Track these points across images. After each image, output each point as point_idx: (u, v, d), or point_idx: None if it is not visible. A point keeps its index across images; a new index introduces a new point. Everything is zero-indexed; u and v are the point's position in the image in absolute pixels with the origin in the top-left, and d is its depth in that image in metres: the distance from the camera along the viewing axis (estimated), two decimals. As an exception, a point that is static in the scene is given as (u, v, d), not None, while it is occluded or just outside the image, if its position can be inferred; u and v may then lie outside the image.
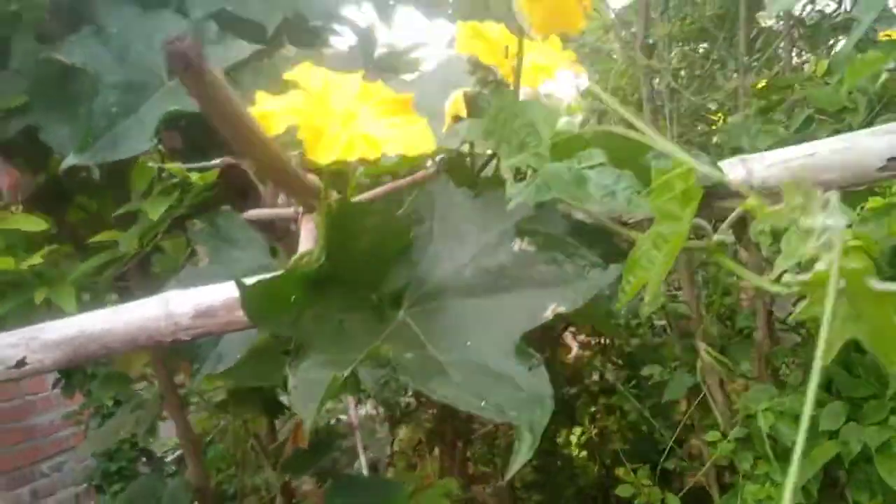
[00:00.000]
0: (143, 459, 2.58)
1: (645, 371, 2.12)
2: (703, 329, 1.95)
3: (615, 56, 2.12)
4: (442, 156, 0.70)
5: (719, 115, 2.00)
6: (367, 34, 1.70)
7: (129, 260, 1.47)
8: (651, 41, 1.77)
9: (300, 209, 0.68)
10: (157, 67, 1.34)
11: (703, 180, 1.00)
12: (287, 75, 0.57)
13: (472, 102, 0.75)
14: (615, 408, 2.49)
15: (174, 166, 1.27)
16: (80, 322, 1.01)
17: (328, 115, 0.54)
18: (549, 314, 0.61)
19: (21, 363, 1.01)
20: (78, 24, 1.36)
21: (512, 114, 0.67)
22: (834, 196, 0.38)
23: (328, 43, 1.56)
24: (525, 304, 0.63)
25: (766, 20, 1.95)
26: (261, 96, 0.55)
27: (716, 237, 0.59)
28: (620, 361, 2.45)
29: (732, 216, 0.57)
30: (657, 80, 1.80)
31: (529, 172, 0.60)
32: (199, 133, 1.37)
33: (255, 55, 1.33)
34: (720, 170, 0.98)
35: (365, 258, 0.65)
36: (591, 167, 0.63)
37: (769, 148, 1.69)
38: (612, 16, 1.89)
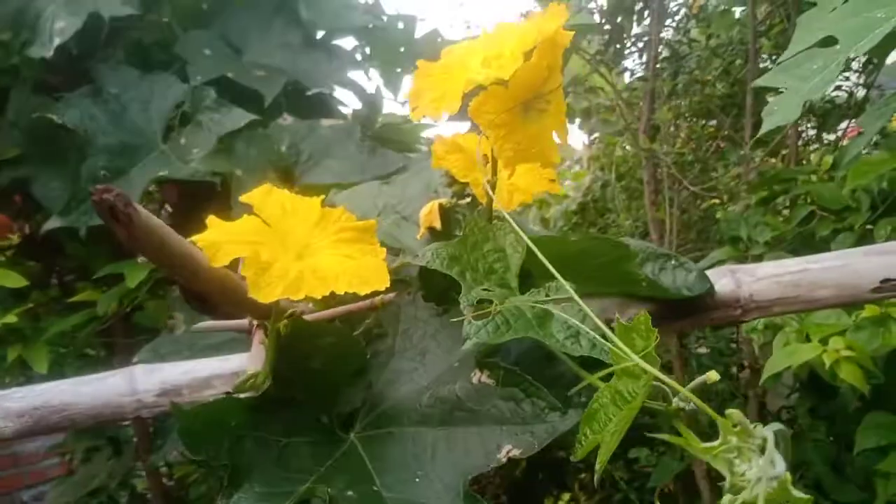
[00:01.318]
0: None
1: (631, 453, 2.07)
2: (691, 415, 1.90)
3: (620, 135, 2.11)
4: (409, 270, 0.68)
5: (722, 196, 1.98)
6: (374, 101, 1.69)
7: (110, 319, 1.45)
8: (655, 124, 1.76)
9: (254, 321, 0.66)
10: (151, 131, 1.33)
11: (693, 288, 0.97)
12: (243, 198, 0.55)
13: (446, 215, 0.73)
14: (606, 478, 2.43)
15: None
16: (44, 392, 0.99)
17: (279, 247, 0.52)
18: (502, 457, 0.58)
19: (-18, 429, 0.98)
20: (76, 82, 1.36)
21: (483, 237, 0.65)
22: (771, 435, 0.35)
23: (328, 112, 1.56)
24: (480, 442, 0.60)
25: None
26: (211, 221, 0.53)
27: (675, 401, 0.56)
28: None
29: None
30: (659, 166, 1.79)
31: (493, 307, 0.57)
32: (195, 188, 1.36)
33: (251, 124, 1.32)
34: (707, 280, 0.95)
35: (317, 378, 0.62)
36: (559, 301, 0.61)
37: (767, 243, 1.66)
38: (618, 97, 1.89)
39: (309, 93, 1.49)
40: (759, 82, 0.98)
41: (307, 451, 0.62)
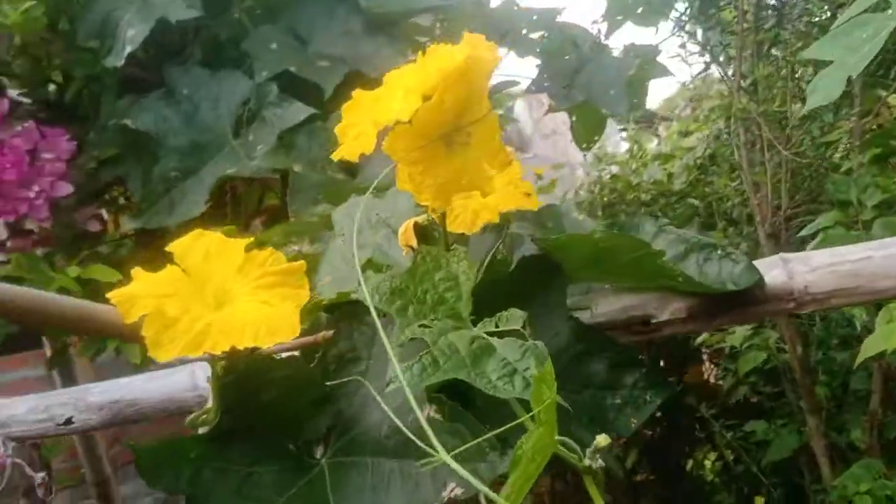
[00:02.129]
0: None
1: (748, 427, 1.98)
2: (809, 388, 1.79)
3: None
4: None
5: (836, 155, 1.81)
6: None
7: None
8: (750, 81, 1.63)
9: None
10: (221, 129, 1.38)
11: (739, 281, 0.91)
12: (170, 247, 0.56)
13: (423, 233, 0.71)
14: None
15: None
16: (121, 387, 1.07)
17: (195, 297, 0.53)
18: (446, 495, 0.58)
19: (69, 421, 1.08)
20: (158, 86, 1.43)
21: (435, 265, 0.63)
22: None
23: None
24: (429, 476, 0.59)
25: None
26: (136, 273, 0.55)
27: (586, 459, 0.53)
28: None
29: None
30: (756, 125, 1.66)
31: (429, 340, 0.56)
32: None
33: (312, 117, 1.34)
34: (756, 272, 0.90)
35: (272, 410, 0.64)
36: (501, 335, 0.59)
37: (877, 207, 1.52)
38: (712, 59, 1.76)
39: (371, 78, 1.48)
40: (807, 54, 0.89)
41: (270, 480, 0.63)
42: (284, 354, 0.65)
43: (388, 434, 0.63)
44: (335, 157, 0.56)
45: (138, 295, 0.52)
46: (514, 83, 1.65)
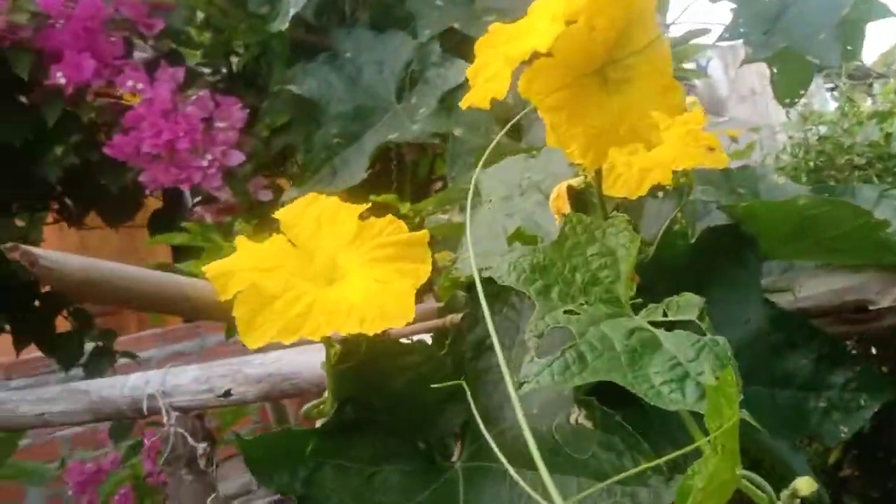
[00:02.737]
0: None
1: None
2: None
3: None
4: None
5: None
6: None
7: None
8: None
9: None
10: (386, 93, 1.32)
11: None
12: (278, 213, 0.49)
13: (578, 198, 0.60)
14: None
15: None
16: (277, 360, 1.04)
17: (301, 273, 0.45)
18: (596, 521, 0.47)
19: (227, 394, 1.06)
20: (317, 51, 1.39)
21: (588, 237, 0.52)
22: None
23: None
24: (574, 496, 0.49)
25: None
26: (240, 242, 0.48)
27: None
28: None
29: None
30: None
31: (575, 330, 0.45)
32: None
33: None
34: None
35: (403, 401, 0.55)
36: (671, 326, 0.47)
37: None
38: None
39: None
40: None
41: (396, 482, 0.55)
42: (416, 337, 0.57)
43: (534, 438, 0.53)
44: (463, 104, 0.46)
45: (236, 269, 0.45)
46: (704, 31, 1.47)
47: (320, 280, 0.46)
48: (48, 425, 1.47)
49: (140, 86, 1.45)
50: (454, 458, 0.57)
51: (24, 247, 0.44)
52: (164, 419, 1.22)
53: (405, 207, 1.27)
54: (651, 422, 0.48)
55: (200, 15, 1.75)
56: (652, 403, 0.42)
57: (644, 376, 0.44)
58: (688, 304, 0.48)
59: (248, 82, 1.69)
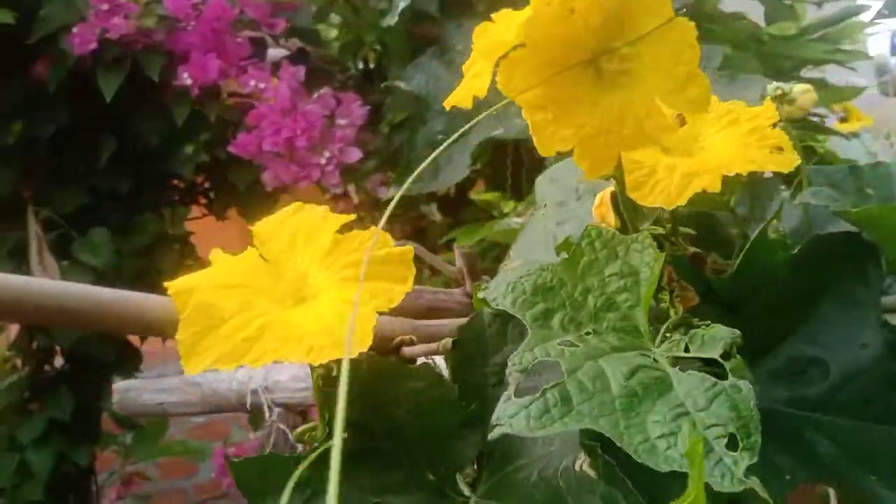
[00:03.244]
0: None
1: None
2: None
3: None
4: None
5: None
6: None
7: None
8: None
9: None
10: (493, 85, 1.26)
11: None
12: (255, 226, 0.45)
13: (625, 206, 0.52)
14: None
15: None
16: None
17: (263, 292, 0.42)
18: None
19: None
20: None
21: (608, 254, 0.45)
22: None
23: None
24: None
25: None
26: (214, 255, 0.45)
27: None
28: None
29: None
30: None
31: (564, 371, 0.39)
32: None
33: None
34: None
35: (409, 428, 0.50)
36: (686, 362, 0.39)
37: None
38: None
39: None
40: None
41: (406, 515, 0.50)
42: (422, 359, 0.51)
43: (536, 483, 0.46)
44: (446, 104, 0.41)
45: (198, 286, 0.42)
46: (862, 8, 1.30)
47: (288, 300, 0.42)
48: (166, 414, 1.54)
49: (262, 85, 1.48)
50: (468, 493, 0.51)
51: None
52: (266, 415, 1.23)
53: (509, 206, 1.21)
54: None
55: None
56: (639, 461, 0.35)
57: (639, 426, 0.36)
58: (713, 338, 0.40)
59: (382, 79, 1.69)
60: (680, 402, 0.37)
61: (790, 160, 0.47)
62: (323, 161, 1.46)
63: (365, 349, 0.38)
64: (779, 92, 0.72)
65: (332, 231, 0.43)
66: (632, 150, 0.40)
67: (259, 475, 0.50)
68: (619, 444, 0.36)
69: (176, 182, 1.81)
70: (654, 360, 0.40)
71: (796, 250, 0.61)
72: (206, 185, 1.81)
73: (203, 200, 1.88)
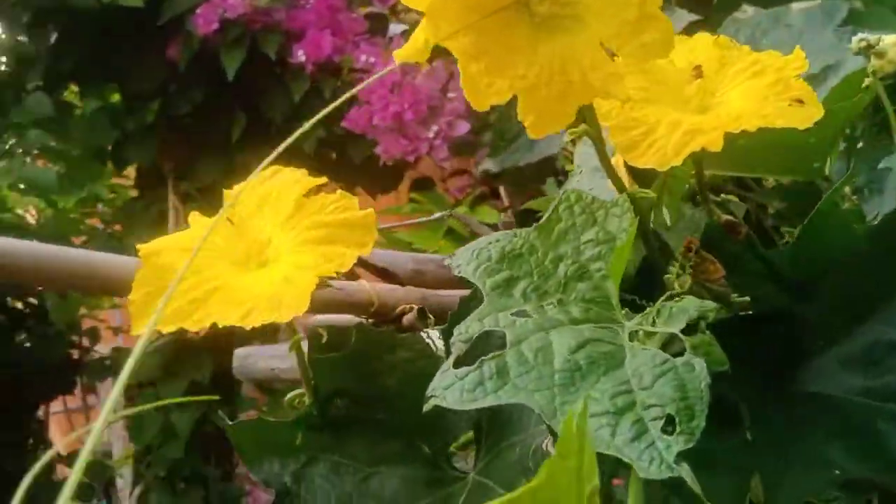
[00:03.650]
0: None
1: None
2: None
3: None
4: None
5: None
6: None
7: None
8: None
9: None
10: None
11: None
12: (226, 191, 0.45)
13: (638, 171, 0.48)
14: None
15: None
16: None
17: (224, 255, 0.41)
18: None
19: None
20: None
21: (586, 219, 0.41)
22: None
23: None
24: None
25: None
26: (192, 218, 0.45)
27: None
28: None
29: None
30: None
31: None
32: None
33: (693, 25, 1.10)
34: None
35: (403, 398, 0.49)
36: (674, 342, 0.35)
37: None
38: None
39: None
40: None
41: (395, 486, 0.49)
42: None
43: (527, 455, 0.44)
44: (396, 59, 0.39)
45: (166, 248, 0.42)
46: None
47: (251, 264, 0.42)
48: (278, 380, 1.59)
49: (372, 59, 1.49)
50: (465, 469, 0.49)
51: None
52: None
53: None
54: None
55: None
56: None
57: (575, 403, 0.33)
58: (681, 310, 0.36)
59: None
60: (626, 379, 0.34)
61: (809, 114, 0.41)
62: (431, 135, 1.45)
63: (299, 314, 0.37)
64: (863, 44, 0.64)
65: (298, 194, 0.42)
66: (581, 103, 0.36)
67: (255, 440, 0.50)
68: (547, 422, 0.33)
69: (300, 157, 1.87)
70: (615, 333, 0.36)
71: (878, 222, 0.55)
72: (331, 159, 1.86)
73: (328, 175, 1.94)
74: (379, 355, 0.49)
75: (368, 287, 0.54)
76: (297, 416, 0.49)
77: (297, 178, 0.44)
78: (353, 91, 0.39)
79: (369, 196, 1.95)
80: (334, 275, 0.39)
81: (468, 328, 0.37)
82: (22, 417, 2.35)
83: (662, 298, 0.42)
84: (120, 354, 2.48)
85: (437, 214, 0.92)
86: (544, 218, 0.42)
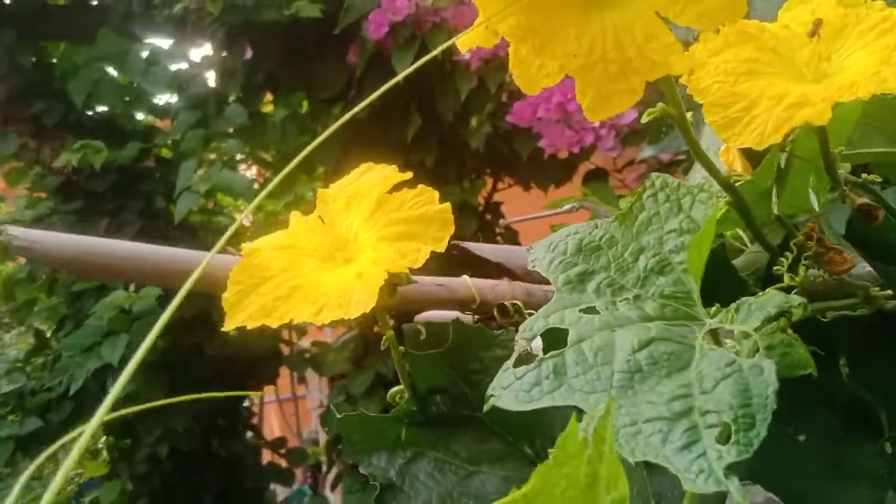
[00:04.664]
0: None
1: None
2: None
3: None
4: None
5: None
6: None
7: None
8: None
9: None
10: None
11: None
12: (320, 191, 0.46)
13: (751, 152, 0.45)
14: None
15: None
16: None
17: (316, 252, 0.43)
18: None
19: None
20: None
21: (672, 206, 0.38)
22: None
23: None
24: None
25: None
26: (292, 217, 0.47)
27: None
28: None
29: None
30: None
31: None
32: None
33: None
34: None
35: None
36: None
37: None
38: None
39: None
40: None
41: (495, 486, 0.49)
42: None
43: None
44: (460, 46, 0.38)
45: (263, 247, 0.44)
46: None
47: (336, 261, 0.42)
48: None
49: (536, 51, 1.48)
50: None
51: (6, 226, 0.48)
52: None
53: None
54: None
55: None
56: (616, 448, 0.30)
57: (632, 406, 0.31)
58: (761, 307, 0.32)
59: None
60: (689, 382, 0.31)
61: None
62: (597, 125, 1.42)
63: (367, 310, 0.37)
64: None
65: (381, 191, 0.43)
66: (644, 80, 0.33)
67: (363, 433, 0.51)
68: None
69: (471, 154, 1.89)
70: (689, 332, 0.33)
71: None
72: (502, 154, 1.87)
73: (501, 171, 1.95)
74: (475, 353, 0.48)
75: (470, 283, 0.54)
76: (399, 413, 0.49)
77: (385, 175, 0.44)
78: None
79: (541, 190, 1.93)
80: (406, 271, 0.39)
81: (533, 325, 0.36)
82: (233, 405, 2.54)
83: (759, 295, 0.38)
84: (319, 348, 2.63)
85: (567, 206, 0.89)
86: (626, 206, 0.39)
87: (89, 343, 1.93)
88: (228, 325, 0.40)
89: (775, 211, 0.47)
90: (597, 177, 1.79)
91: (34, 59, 2.31)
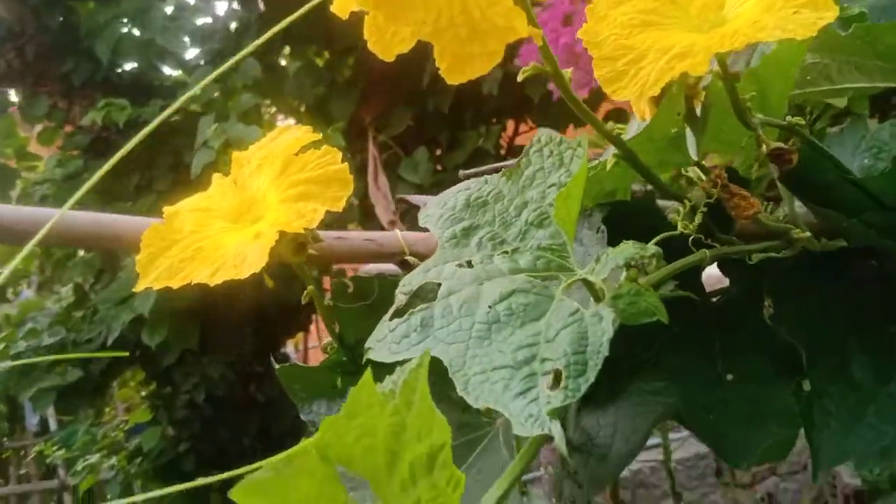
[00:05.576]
0: None
1: None
2: None
3: None
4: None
5: None
6: None
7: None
8: None
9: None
10: None
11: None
12: (234, 154, 0.47)
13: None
14: None
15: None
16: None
17: (225, 213, 0.44)
18: None
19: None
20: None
21: (556, 161, 0.39)
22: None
23: None
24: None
25: None
26: (214, 178, 0.48)
27: None
28: None
29: None
30: None
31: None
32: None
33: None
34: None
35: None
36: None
37: None
38: None
39: None
40: None
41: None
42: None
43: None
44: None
45: (182, 209, 0.46)
46: None
47: (244, 222, 0.44)
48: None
49: (549, -10, 1.46)
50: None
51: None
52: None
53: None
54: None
55: None
56: (462, 394, 0.32)
57: (484, 356, 0.32)
58: (615, 256, 0.33)
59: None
60: (539, 331, 0.32)
61: (815, 20, 0.35)
62: (605, 65, 1.39)
63: (255, 270, 0.39)
64: None
65: (289, 152, 0.44)
66: (496, 43, 0.34)
67: (302, 383, 0.53)
68: (451, 376, 0.32)
69: (483, 99, 1.88)
70: (553, 284, 0.34)
71: None
72: (515, 97, 1.85)
73: (516, 114, 1.93)
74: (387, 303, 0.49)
75: (399, 236, 0.55)
76: (329, 363, 0.51)
77: (297, 137, 0.45)
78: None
79: (560, 132, 1.92)
80: (303, 231, 0.41)
81: (412, 280, 0.37)
82: (269, 351, 2.61)
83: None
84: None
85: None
86: (516, 161, 0.40)
87: (123, 295, 2.00)
88: (139, 287, 0.42)
89: (694, 157, 0.47)
90: (616, 117, 1.77)
91: (61, 19, 2.34)
